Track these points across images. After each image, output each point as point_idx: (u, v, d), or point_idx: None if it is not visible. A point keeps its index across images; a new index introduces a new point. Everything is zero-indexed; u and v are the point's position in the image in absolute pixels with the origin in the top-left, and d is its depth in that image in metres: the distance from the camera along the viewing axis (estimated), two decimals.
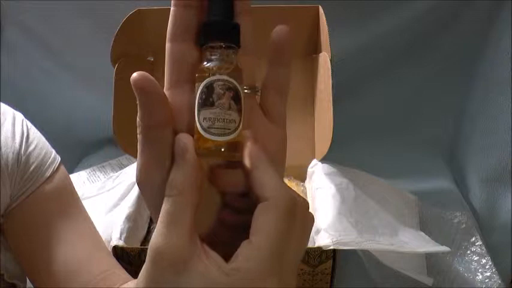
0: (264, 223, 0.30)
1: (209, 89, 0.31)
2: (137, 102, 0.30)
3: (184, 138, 0.31)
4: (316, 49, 0.93)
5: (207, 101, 0.31)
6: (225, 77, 0.31)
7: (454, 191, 1.03)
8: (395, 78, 1.08)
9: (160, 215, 0.30)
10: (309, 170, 0.91)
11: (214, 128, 0.31)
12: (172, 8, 0.33)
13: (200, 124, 0.31)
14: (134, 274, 0.64)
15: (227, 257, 0.30)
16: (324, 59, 0.85)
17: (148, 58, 0.98)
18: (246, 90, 0.33)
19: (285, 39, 0.33)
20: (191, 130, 0.31)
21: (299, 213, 0.31)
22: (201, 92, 0.31)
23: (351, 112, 1.03)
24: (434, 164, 1.10)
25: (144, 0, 0.92)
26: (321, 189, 0.83)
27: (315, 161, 0.91)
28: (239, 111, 0.31)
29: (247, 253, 0.29)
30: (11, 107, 0.62)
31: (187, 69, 0.32)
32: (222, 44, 0.31)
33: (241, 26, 0.32)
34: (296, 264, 0.31)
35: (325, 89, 0.83)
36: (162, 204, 0.30)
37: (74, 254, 0.59)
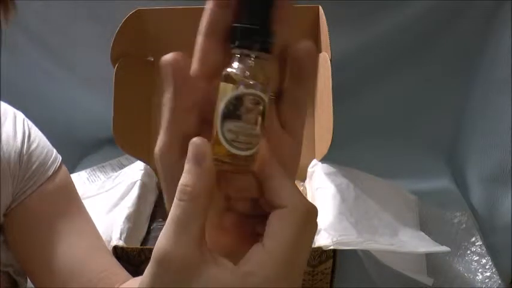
0: (280, 229, 0.30)
1: (238, 101, 0.30)
2: (166, 83, 0.30)
3: (202, 144, 0.30)
4: (316, 49, 0.93)
5: (233, 113, 0.30)
6: (258, 92, 0.30)
7: (454, 191, 1.03)
8: (395, 78, 1.08)
9: (169, 219, 0.30)
10: (309, 170, 0.91)
11: (238, 142, 0.30)
12: (209, 7, 0.32)
13: (223, 135, 0.30)
14: (134, 274, 0.64)
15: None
16: (324, 59, 0.85)
17: (148, 58, 0.98)
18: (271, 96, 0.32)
19: (310, 56, 0.33)
20: (198, 126, 0.31)
21: (313, 221, 0.31)
22: (229, 102, 0.30)
23: (351, 112, 1.03)
24: (434, 164, 1.10)
25: (144, 0, 0.92)
26: (321, 189, 0.83)
27: (315, 161, 0.91)
28: (263, 125, 0.31)
29: (261, 257, 0.29)
30: (8, 105, 0.62)
31: (213, 65, 0.31)
32: (255, 53, 0.30)
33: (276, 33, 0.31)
34: (303, 269, 0.32)
35: (325, 89, 0.83)
36: (178, 176, 0.30)
37: (75, 253, 0.59)
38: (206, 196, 0.30)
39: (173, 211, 0.30)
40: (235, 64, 0.30)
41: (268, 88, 0.30)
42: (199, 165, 0.30)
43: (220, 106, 0.30)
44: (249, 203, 0.33)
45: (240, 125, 0.30)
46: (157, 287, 0.29)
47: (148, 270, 0.30)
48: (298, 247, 0.30)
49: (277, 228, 0.30)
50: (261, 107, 0.30)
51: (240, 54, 0.30)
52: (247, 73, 0.30)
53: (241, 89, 0.30)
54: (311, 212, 0.31)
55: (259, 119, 0.30)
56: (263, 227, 0.30)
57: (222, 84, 0.30)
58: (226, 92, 0.30)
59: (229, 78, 0.30)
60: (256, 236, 0.31)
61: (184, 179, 0.30)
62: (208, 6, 0.30)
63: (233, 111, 0.30)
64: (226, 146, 0.30)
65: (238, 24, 0.30)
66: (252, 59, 0.30)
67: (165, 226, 0.30)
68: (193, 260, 0.29)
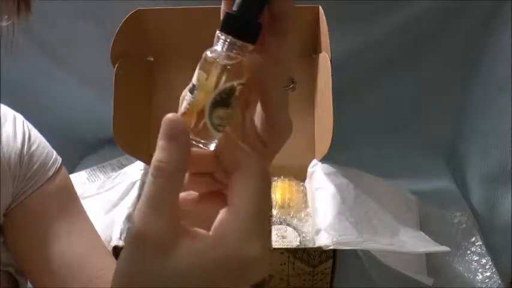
0: (240, 187, 0.31)
1: (232, 91, 0.31)
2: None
3: (176, 121, 0.30)
4: (316, 49, 0.93)
5: (225, 101, 0.31)
6: (244, 81, 0.32)
7: (454, 191, 1.03)
8: (395, 78, 1.08)
9: (143, 196, 0.30)
10: (309, 170, 0.91)
11: (222, 126, 0.32)
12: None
13: (211, 121, 0.31)
14: None
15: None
16: (324, 59, 0.85)
17: (148, 58, 0.98)
18: (284, 86, 0.35)
19: (286, 6, 0.33)
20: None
21: (267, 174, 0.32)
22: (223, 92, 0.31)
23: (351, 112, 1.03)
24: (434, 164, 1.10)
25: (144, 0, 0.92)
26: (321, 189, 0.83)
27: (315, 161, 0.91)
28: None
29: (229, 217, 0.30)
30: (11, 107, 0.63)
31: None
32: (234, 40, 0.31)
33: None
34: (270, 229, 0.33)
35: (325, 89, 0.83)
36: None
37: (74, 253, 0.60)
38: (181, 171, 0.30)
39: (147, 188, 0.29)
40: (223, 50, 0.31)
41: (243, 71, 0.32)
42: (175, 141, 0.30)
43: (212, 95, 0.31)
44: (206, 179, 0.34)
45: (229, 112, 0.32)
46: (134, 268, 0.29)
47: (123, 252, 0.29)
48: (261, 201, 0.31)
49: (238, 187, 0.31)
50: (243, 95, 0.32)
51: (228, 41, 0.31)
52: (225, 56, 0.31)
53: (236, 81, 0.31)
54: (264, 166, 0.32)
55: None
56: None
57: (199, 72, 0.31)
58: (211, 77, 0.31)
59: (206, 63, 0.31)
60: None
61: (158, 155, 0.30)
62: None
63: (225, 100, 0.31)
64: (212, 130, 0.31)
65: (230, 12, 0.31)
66: (230, 44, 0.31)
67: (138, 204, 0.30)
68: (167, 236, 0.29)
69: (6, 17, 0.46)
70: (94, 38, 1.02)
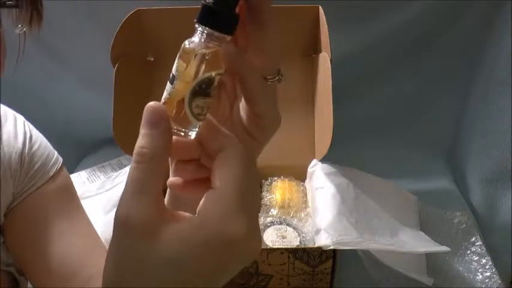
0: (223, 168, 0.31)
1: (211, 81, 0.32)
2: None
3: (157, 108, 0.31)
4: (316, 49, 0.93)
5: (204, 91, 0.32)
6: (222, 71, 0.32)
7: (454, 191, 1.03)
8: (395, 78, 1.08)
9: (127, 183, 0.30)
10: (309, 170, 0.91)
11: (203, 115, 0.32)
12: None
13: (191, 110, 0.32)
14: None
15: None
16: (324, 59, 0.85)
17: (148, 58, 0.98)
18: (269, 78, 0.35)
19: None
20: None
21: (253, 157, 0.33)
22: (202, 82, 0.32)
23: (351, 112, 1.03)
24: (434, 164, 1.10)
25: (144, 0, 0.92)
26: (321, 189, 0.83)
27: (315, 161, 0.91)
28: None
29: (212, 198, 0.30)
30: (11, 107, 0.63)
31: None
32: (211, 31, 0.32)
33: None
34: (258, 211, 0.33)
35: (325, 89, 0.83)
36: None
37: (73, 253, 0.60)
38: (163, 156, 0.31)
39: (130, 175, 0.30)
40: (200, 41, 0.32)
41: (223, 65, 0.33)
42: (156, 127, 0.31)
43: (191, 85, 0.32)
44: (191, 166, 0.35)
45: (208, 101, 0.32)
46: (121, 253, 0.29)
47: (111, 241, 0.30)
48: (245, 182, 0.31)
49: (221, 168, 0.31)
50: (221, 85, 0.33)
51: (205, 32, 0.32)
52: (202, 46, 0.32)
53: (216, 71, 0.32)
54: (247, 146, 0.33)
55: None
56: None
57: (179, 61, 0.32)
58: (190, 66, 0.32)
59: (185, 54, 0.32)
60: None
61: (141, 141, 0.30)
62: None
63: (205, 89, 0.32)
64: (192, 119, 0.32)
65: (206, 2, 0.32)
66: (207, 35, 0.32)
67: (123, 191, 0.30)
68: (152, 221, 0.29)
69: (19, 25, 0.46)
70: (94, 38, 1.02)
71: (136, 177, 0.30)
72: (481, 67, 1.00)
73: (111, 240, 0.30)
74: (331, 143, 0.80)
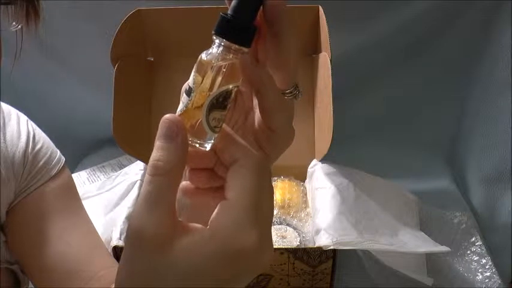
0: (237, 179, 0.31)
1: (228, 94, 0.32)
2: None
3: (174, 121, 0.31)
4: (316, 49, 0.93)
5: (222, 104, 0.32)
6: (239, 83, 0.32)
7: (454, 191, 1.03)
8: (395, 78, 1.08)
9: (140, 196, 0.30)
10: (309, 170, 0.91)
11: (219, 127, 0.32)
12: None
13: (208, 122, 0.32)
14: None
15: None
16: (324, 59, 0.85)
17: (148, 58, 0.98)
18: (287, 93, 0.35)
19: (278, 9, 0.32)
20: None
21: (266, 165, 0.32)
22: (220, 95, 0.32)
23: (351, 112, 1.03)
24: (434, 164, 1.10)
25: (144, 0, 0.92)
26: (321, 189, 0.83)
27: (315, 161, 0.91)
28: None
29: (224, 209, 0.30)
30: (11, 107, 0.63)
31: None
32: (228, 43, 0.31)
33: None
34: (271, 223, 0.33)
35: (325, 89, 0.83)
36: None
37: (74, 252, 0.60)
38: (179, 170, 0.31)
39: (145, 187, 0.30)
40: (217, 53, 0.32)
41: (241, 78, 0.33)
42: (172, 141, 0.30)
43: (208, 97, 0.31)
44: (205, 174, 0.35)
45: (224, 113, 0.32)
46: (134, 267, 0.29)
47: (124, 253, 0.30)
48: (258, 193, 0.31)
49: (235, 179, 0.31)
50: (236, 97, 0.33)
51: (223, 44, 0.32)
52: (219, 58, 0.32)
53: (232, 84, 0.32)
54: (262, 157, 0.33)
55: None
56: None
57: (195, 74, 0.32)
58: (206, 79, 0.31)
59: (202, 66, 0.32)
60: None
61: (156, 154, 0.30)
62: None
63: (222, 102, 0.32)
64: (209, 131, 0.32)
65: (225, 14, 0.32)
66: (225, 47, 0.32)
67: (136, 204, 0.30)
68: (166, 234, 0.29)
69: (14, 22, 0.46)
70: (94, 38, 1.02)
71: (150, 191, 0.30)
72: (481, 67, 1.00)
73: (124, 252, 0.30)
74: (331, 143, 0.80)
